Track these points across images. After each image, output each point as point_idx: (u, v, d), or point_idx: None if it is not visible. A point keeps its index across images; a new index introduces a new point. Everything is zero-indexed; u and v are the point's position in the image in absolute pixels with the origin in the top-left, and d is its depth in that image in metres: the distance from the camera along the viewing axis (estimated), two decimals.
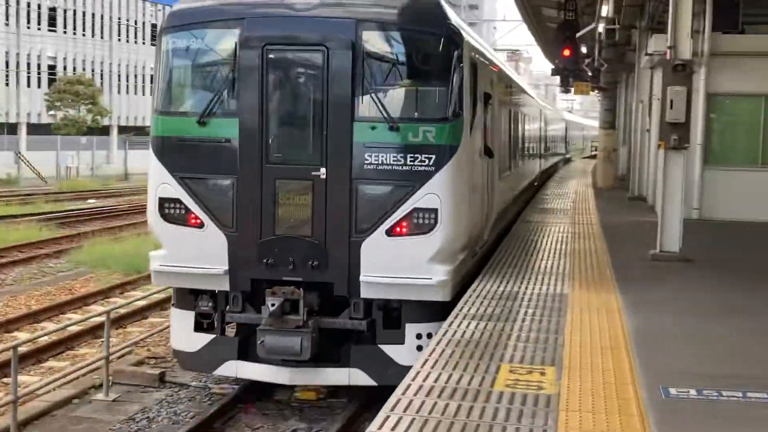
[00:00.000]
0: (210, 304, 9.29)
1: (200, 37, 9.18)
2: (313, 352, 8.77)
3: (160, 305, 14.80)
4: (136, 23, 75.44)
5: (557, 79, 44.84)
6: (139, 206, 31.03)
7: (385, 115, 8.67)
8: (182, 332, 9.41)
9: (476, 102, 9.70)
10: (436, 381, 6.08)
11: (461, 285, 9.45)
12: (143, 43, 75.98)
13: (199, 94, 9.29)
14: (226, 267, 8.99)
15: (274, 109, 8.90)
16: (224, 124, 8.95)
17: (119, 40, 73.95)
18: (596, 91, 39.22)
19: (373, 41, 8.78)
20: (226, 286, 9.07)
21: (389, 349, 8.93)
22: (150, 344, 12.39)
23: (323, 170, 8.74)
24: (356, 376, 9.03)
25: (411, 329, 8.88)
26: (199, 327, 9.42)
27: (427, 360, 6.64)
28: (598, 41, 26.25)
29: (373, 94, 8.75)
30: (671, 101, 11.86)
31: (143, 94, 75.36)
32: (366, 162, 8.70)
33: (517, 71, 59.05)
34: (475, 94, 9.62)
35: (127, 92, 74.45)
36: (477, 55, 10.02)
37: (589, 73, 32.21)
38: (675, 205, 12.09)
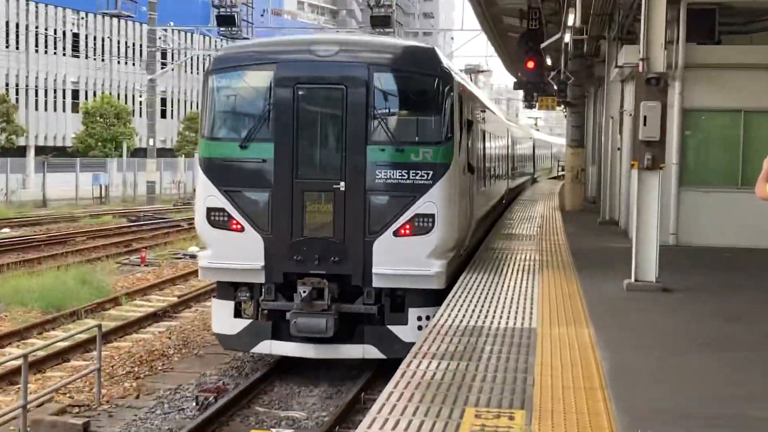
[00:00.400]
0: (248, 294, 12.10)
1: (241, 77, 12.32)
2: (335, 331, 11.50)
3: (84, 347, 14.57)
4: (56, 32, 74.68)
5: (520, 93, 44.51)
6: (59, 236, 30.59)
7: (392, 139, 11.70)
8: (224, 318, 12.20)
9: (462, 127, 12.66)
10: (394, 428, 6.05)
11: (452, 278, 12.36)
12: (63, 55, 75.21)
13: (240, 123, 12.27)
14: (263, 263, 11.84)
15: (303, 135, 11.82)
16: (262, 147, 11.88)
17: (37, 51, 73.13)
18: (562, 106, 39.23)
19: (382, 81, 11.81)
20: (262, 279, 11.89)
21: (395, 329, 11.79)
22: (73, 391, 12.17)
23: (342, 184, 11.65)
24: (369, 351, 11.84)
25: (413, 312, 11.79)
26: (237, 314, 12.23)
27: (384, 404, 6.60)
28: (565, 52, 26.33)
29: (382, 123, 11.74)
30: (645, 117, 11.94)
31: (63, 111, 74.52)
32: (377, 177, 11.64)
33: (476, 85, 60.48)
34: (461, 121, 12.63)
35: (46, 109, 73.54)
36: (462, 89, 13.03)
37: (555, 87, 32.43)
38: (650, 230, 12.17)
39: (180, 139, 72.86)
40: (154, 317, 17.18)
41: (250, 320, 12.13)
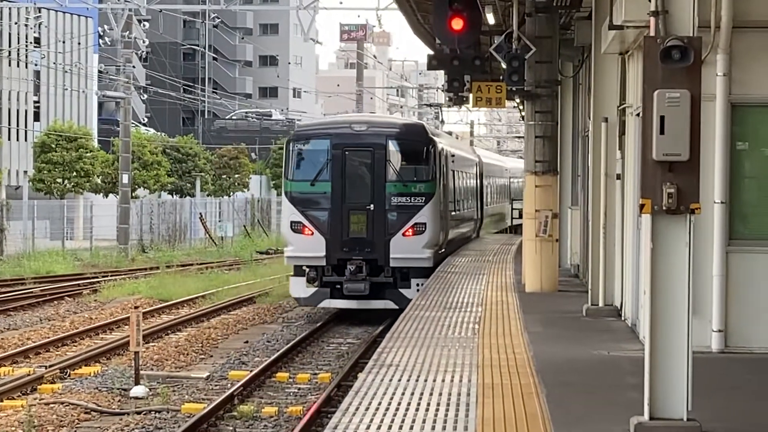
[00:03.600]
0: (314, 273, 23.27)
1: (310, 143, 24.43)
2: (369, 292, 22.90)
3: None
4: None
5: (440, 76, 29.77)
6: None
7: (400, 178, 23.58)
8: (299, 288, 23.51)
9: (440, 170, 24.66)
10: None
11: (436, 262, 23.93)
12: None
13: (310, 170, 23.85)
14: (324, 253, 22.94)
15: (348, 177, 23.32)
16: (323, 185, 23.39)
17: None
18: (517, 101, 29.83)
19: (394, 145, 23.86)
20: (323, 263, 23.06)
21: (404, 291, 22.71)
22: None
23: (372, 205, 23.01)
24: (388, 304, 22.79)
25: (414, 281, 22.75)
26: (307, 283, 23.49)
27: None
28: (519, 2, 18.61)
29: (394, 169, 23.62)
30: (662, 119, 8.41)
31: None
32: (392, 201, 23.19)
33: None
34: (440, 167, 24.60)
35: None
36: (441, 146, 25.23)
37: (503, 65, 20.73)
38: (675, 325, 8.41)
39: None
40: None
41: (316, 288, 23.06)
